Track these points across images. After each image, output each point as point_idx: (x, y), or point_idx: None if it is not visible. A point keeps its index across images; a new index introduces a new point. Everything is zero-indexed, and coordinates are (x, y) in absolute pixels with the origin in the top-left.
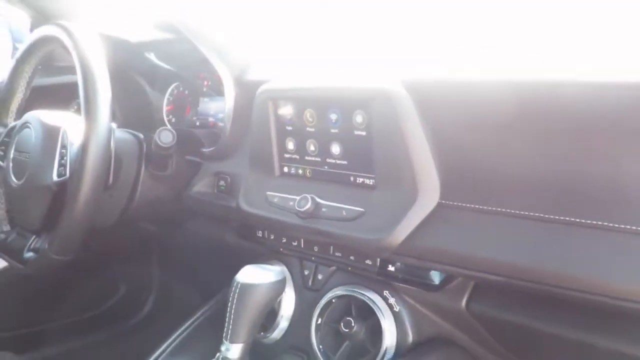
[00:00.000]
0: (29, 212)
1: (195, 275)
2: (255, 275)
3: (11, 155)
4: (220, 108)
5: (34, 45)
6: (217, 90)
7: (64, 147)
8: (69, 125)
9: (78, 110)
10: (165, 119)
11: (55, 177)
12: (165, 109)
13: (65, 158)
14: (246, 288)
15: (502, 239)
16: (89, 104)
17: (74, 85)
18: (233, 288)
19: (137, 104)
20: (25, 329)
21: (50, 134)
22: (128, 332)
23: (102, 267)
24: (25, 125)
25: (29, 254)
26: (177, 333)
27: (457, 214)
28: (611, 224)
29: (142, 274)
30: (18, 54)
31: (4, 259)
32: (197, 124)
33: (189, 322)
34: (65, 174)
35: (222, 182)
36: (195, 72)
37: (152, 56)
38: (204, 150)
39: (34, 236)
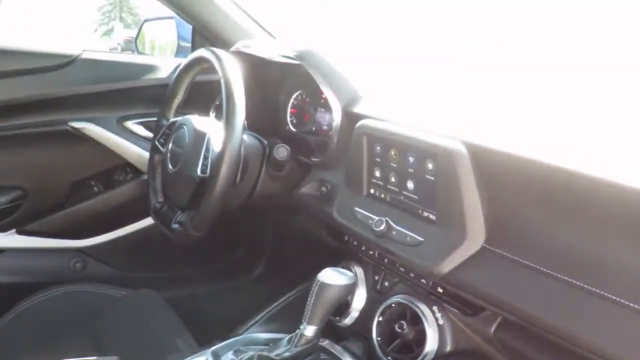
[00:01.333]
0: (178, 193)
1: (294, 255)
2: (332, 277)
3: (170, 147)
4: (332, 120)
5: (193, 62)
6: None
7: (207, 150)
8: (213, 132)
9: (218, 112)
10: (288, 119)
11: (199, 173)
12: (289, 110)
13: (207, 160)
14: (323, 286)
15: (527, 290)
16: (228, 119)
17: (216, 83)
18: (314, 283)
19: (268, 104)
20: (164, 272)
21: (199, 138)
22: (242, 286)
23: (228, 232)
24: (182, 126)
25: (175, 225)
26: (275, 304)
27: (495, 259)
28: (619, 299)
29: (257, 241)
30: (182, 65)
31: (157, 222)
32: (313, 129)
33: (284, 298)
34: (206, 173)
35: (324, 188)
36: (316, 85)
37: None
38: (313, 159)
39: (179, 212)
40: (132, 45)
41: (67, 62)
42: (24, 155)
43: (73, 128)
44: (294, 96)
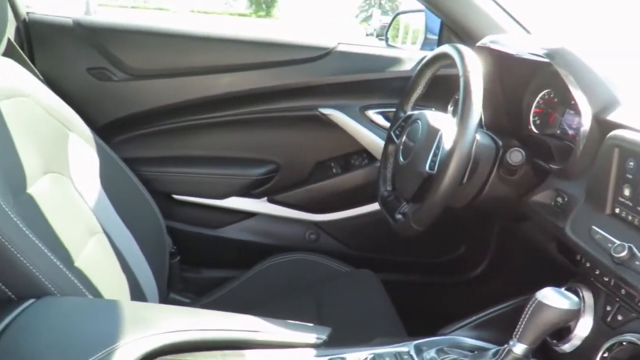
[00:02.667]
0: (405, 185)
1: (517, 263)
2: (553, 298)
3: (403, 139)
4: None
5: (436, 57)
6: None
7: (438, 147)
8: (446, 129)
9: (456, 106)
10: (531, 119)
11: (426, 168)
12: (533, 110)
13: (436, 157)
14: (540, 306)
15: None
16: (462, 118)
17: (457, 77)
18: (532, 301)
19: (510, 102)
20: (384, 255)
21: (431, 135)
22: (457, 285)
23: (451, 228)
24: (417, 120)
25: (398, 216)
26: (488, 311)
27: None
28: None
29: (480, 242)
30: (425, 60)
31: (382, 210)
32: (557, 132)
33: (499, 307)
34: (433, 169)
35: (559, 199)
36: (566, 86)
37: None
38: (553, 165)
39: (404, 203)
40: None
41: (323, 54)
42: (279, 134)
43: (321, 114)
44: (541, 95)
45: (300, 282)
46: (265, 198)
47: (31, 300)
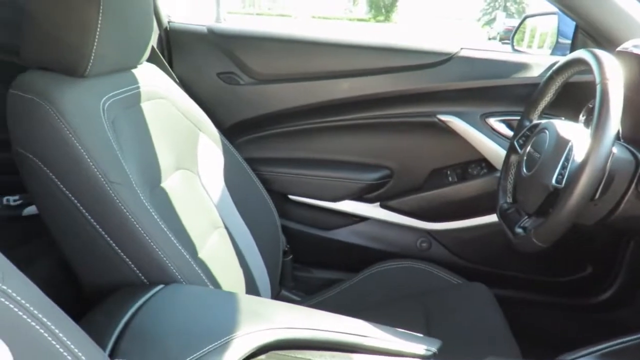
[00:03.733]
0: (528, 198)
1: None
2: None
3: (527, 149)
4: None
5: (569, 63)
6: None
7: (567, 160)
8: (577, 140)
9: (589, 116)
10: None
11: (553, 182)
12: None
13: (565, 170)
14: None
15: None
16: (597, 129)
17: (591, 84)
18: None
19: None
20: (500, 270)
21: (560, 146)
22: (582, 307)
23: (576, 246)
24: (544, 129)
25: (518, 230)
26: (617, 341)
27: None
28: None
29: (609, 263)
30: (556, 66)
31: (501, 222)
32: None
33: (632, 337)
34: (561, 183)
35: None
36: None
37: None
38: None
39: (525, 216)
40: (510, 34)
41: (445, 60)
42: (395, 140)
43: (440, 120)
44: None
45: (409, 289)
46: (378, 203)
47: (161, 286)
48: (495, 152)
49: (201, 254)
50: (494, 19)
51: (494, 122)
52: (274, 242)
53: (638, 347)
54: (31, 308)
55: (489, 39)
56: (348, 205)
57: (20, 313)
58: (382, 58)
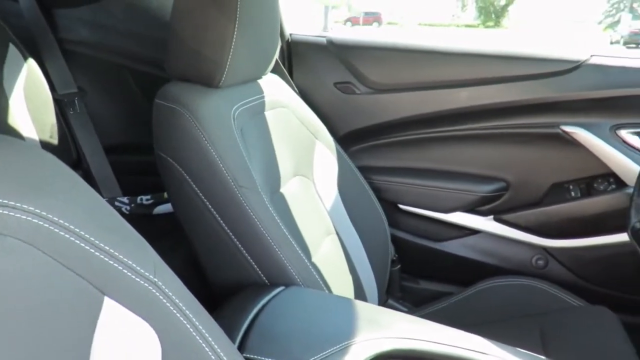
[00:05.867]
0: None
1: None
2: None
3: None
4: None
5: None
6: None
7: None
8: None
9: None
10: None
11: None
12: None
13: None
14: None
15: None
16: None
17: None
18: None
19: None
20: (627, 294)
21: None
22: None
23: None
24: None
25: None
26: None
27: None
28: None
29: None
30: None
31: (634, 243)
32: None
33: None
34: None
35: None
36: None
37: None
38: None
39: None
40: (637, 37)
41: (572, 67)
42: (513, 151)
43: (564, 132)
44: None
45: (523, 308)
46: (492, 216)
47: (281, 287)
48: (626, 166)
49: (315, 259)
50: (617, 22)
51: (626, 134)
52: (383, 250)
53: None
54: (179, 302)
55: (612, 42)
56: (459, 217)
57: (170, 306)
58: (502, 66)
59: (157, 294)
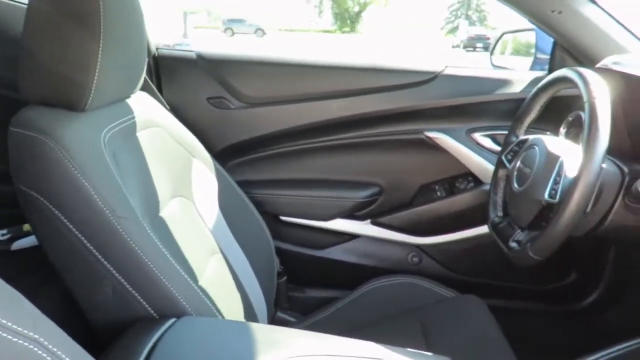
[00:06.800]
0: (520, 212)
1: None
2: None
3: (517, 165)
4: None
5: (554, 81)
6: None
7: (558, 175)
8: (567, 156)
9: (569, 129)
10: None
11: (546, 197)
12: None
13: (558, 185)
14: None
15: None
16: (589, 146)
17: (569, 99)
18: None
19: (633, 125)
20: (490, 280)
21: (550, 162)
22: (568, 313)
23: (562, 254)
24: (533, 146)
25: (513, 244)
26: (627, 344)
27: None
28: None
29: (593, 268)
30: (541, 84)
31: (494, 236)
32: None
33: (632, 342)
34: (555, 198)
35: None
36: None
37: None
38: None
39: (518, 230)
40: (474, 42)
41: (430, 78)
42: (384, 158)
43: (427, 137)
44: None
45: (403, 305)
46: (369, 220)
47: (172, 320)
48: (481, 166)
49: (202, 282)
50: (457, 27)
51: (479, 137)
52: (269, 263)
53: (632, 354)
54: (65, 357)
55: (453, 46)
56: (339, 224)
57: None
58: (370, 78)
59: (40, 352)
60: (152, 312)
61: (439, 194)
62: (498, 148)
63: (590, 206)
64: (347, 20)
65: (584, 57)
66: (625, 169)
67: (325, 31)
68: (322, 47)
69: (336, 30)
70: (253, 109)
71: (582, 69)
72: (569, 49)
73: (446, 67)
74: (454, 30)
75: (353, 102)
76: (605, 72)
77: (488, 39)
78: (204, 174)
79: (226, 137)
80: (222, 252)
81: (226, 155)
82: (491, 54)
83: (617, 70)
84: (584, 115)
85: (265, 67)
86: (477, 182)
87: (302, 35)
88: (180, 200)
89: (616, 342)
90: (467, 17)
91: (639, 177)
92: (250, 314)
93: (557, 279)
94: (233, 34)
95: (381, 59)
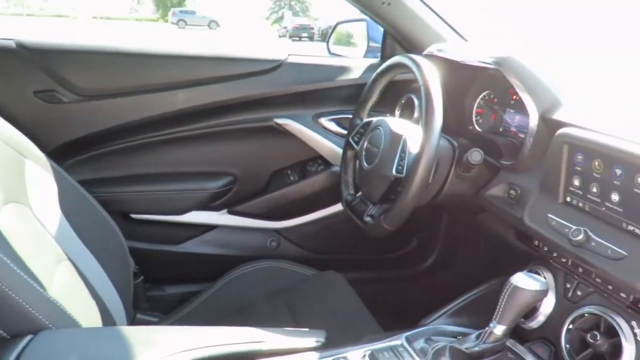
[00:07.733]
0: (371, 188)
1: (469, 251)
2: (525, 282)
3: (365, 145)
4: (523, 123)
5: (390, 67)
6: (523, 108)
7: (403, 151)
8: (409, 134)
9: (403, 110)
10: (474, 119)
11: (394, 172)
12: (474, 110)
13: (403, 161)
14: (516, 290)
15: None
16: (427, 124)
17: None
18: (507, 287)
19: (454, 105)
20: (345, 255)
21: (395, 141)
22: (413, 277)
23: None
24: (377, 127)
25: (367, 218)
26: (463, 298)
27: None
28: None
29: (429, 235)
30: (379, 70)
31: (349, 213)
32: (500, 129)
33: (469, 294)
34: (402, 173)
35: (512, 192)
36: (506, 86)
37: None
38: (503, 162)
39: (371, 205)
40: (299, 31)
41: (275, 67)
42: (235, 147)
43: (276, 124)
44: (481, 96)
45: (268, 289)
46: (225, 210)
47: (29, 337)
48: (329, 149)
49: (52, 292)
50: (282, 18)
51: (325, 121)
52: (123, 265)
53: (474, 301)
54: None
55: (280, 36)
56: (195, 216)
57: None
58: (213, 67)
59: None
60: (2, 332)
61: (291, 178)
62: (343, 131)
63: (431, 178)
64: (169, 8)
65: (410, 45)
66: (455, 143)
67: (147, 19)
68: (149, 37)
69: (159, 19)
70: (90, 102)
71: (414, 56)
72: (398, 38)
73: (289, 55)
74: (279, 20)
75: (199, 92)
76: (432, 58)
77: (312, 28)
78: (39, 176)
79: (61, 134)
80: (69, 258)
81: (62, 153)
82: (327, 42)
83: (441, 57)
84: (416, 98)
85: (100, 56)
86: (327, 164)
87: (122, 24)
88: (15, 206)
89: (454, 298)
90: (291, 8)
91: (467, 149)
92: (107, 320)
93: (401, 247)
94: (185, 25)
95: (225, 47)
